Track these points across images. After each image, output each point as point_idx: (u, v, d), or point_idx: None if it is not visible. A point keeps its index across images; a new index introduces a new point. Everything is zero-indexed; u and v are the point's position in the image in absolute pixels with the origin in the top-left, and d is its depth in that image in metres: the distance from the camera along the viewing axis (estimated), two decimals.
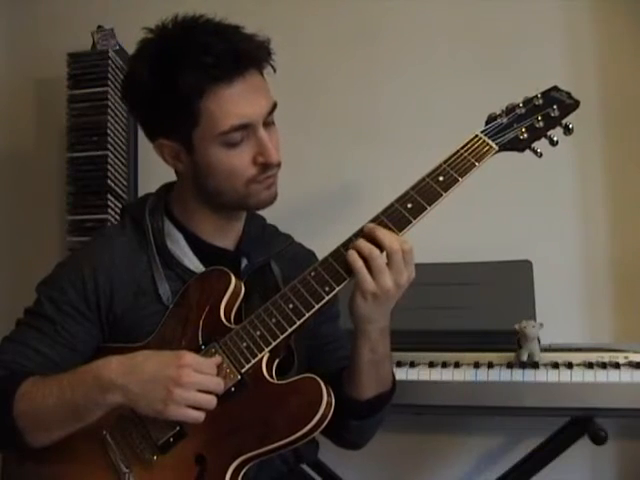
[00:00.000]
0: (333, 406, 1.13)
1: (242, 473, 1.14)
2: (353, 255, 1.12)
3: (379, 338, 1.20)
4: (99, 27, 2.40)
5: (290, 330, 1.15)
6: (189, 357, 1.12)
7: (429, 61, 2.36)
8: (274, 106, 1.26)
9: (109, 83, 2.34)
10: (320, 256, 1.22)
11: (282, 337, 1.15)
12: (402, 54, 2.38)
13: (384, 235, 1.12)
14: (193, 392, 1.10)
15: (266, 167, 1.24)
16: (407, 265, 1.12)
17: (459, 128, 1.21)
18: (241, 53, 1.20)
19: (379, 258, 1.11)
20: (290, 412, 1.12)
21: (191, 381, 1.09)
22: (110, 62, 2.34)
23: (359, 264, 1.11)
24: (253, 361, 1.15)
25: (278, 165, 1.26)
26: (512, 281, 1.99)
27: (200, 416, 1.11)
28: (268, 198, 1.29)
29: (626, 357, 1.68)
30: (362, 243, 1.13)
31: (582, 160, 2.22)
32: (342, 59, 2.42)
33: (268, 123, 1.26)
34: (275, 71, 1.28)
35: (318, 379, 1.13)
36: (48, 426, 1.16)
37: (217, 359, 1.16)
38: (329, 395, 1.13)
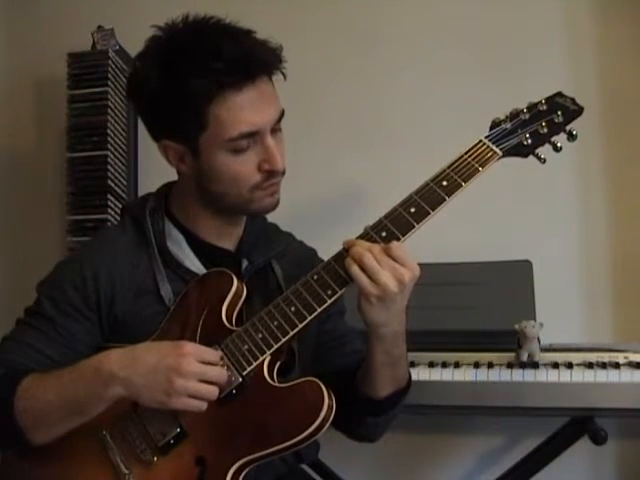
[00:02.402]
0: (334, 409, 1.13)
1: (243, 475, 1.14)
2: (348, 261, 1.12)
3: (393, 342, 1.18)
4: (99, 27, 2.40)
5: (292, 333, 1.15)
6: (190, 346, 1.11)
7: (429, 63, 2.35)
8: (282, 113, 1.26)
9: (109, 83, 2.33)
10: (321, 256, 1.22)
11: (284, 340, 1.15)
12: (402, 57, 2.38)
13: (361, 245, 1.11)
14: (194, 382, 1.09)
15: (271, 174, 1.24)
16: (401, 260, 1.10)
17: (460, 131, 1.21)
18: (253, 60, 1.19)
19: (370, 260, 1.09)
20: (291, 415, 1.12)
21: (192, 370, 1.09)
22: (110, 62, 2.34)
23: (354, 268, 1.10)
24: (255, 364, 1.15)
25: (283, 173, 1.26)
26: (512, 281, 2.00)
27: (202, 406, 1.10)
28: (270, 205, 1.29)
29: (626, 357, 1.68)
30: (354, 249, 1.12)
31: (582, 160, 2.21)
32: (343, 62, 2.41)
33: (275, 130, 1.25)
34: (285, 78, 1.27)
35: (319, 382, 1.13)
36: (48, 422, 1.15)
37: (218, 352, 1.16)
38: (330, 398, 1.12)
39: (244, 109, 1.19)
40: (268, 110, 1.22)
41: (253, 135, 1.21)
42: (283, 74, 1.26)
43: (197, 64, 1.17)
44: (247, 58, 1.18)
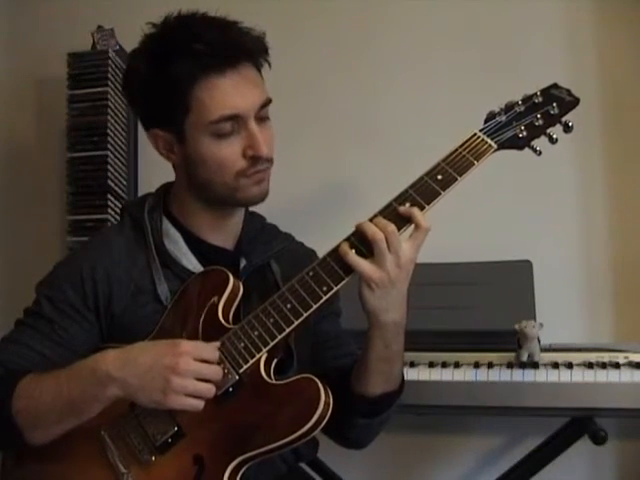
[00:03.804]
0: (331, 406, 1.12)
1: (240, 473, 1.14)
2: (345, 247, 1.13)
3: (394, 334, 1.19)
4: (99, 27, 2.40)
5: (288, 330, 1.15)
6: (186, 345, 1.11)
7: (428, 62, 2.35)
8: (268, 101, 1.26)
9: (109, 83, 2.34)
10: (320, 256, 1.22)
11: (280, 337, 1.15)
12: (401, 55, 2.38)
13: (368, 227, 1.13)
14: (191, 380, 1.09)
15: (256, 161, 1.24)
16: (399, 244, 1.12)
17: (458, 130, 1.21)
18: (234, 44, 1.21)
19: (381, 242, 1.11)
20: (288, 413, 1.12)
21: (189, 369, 1.09)
22: (110, 62, 2.35)
23: (351, 253, 1.12)
24: (251, 361, 1.15)
25: (268, 160, 1.26)
26: (512, 281, 1.99)
27: (200, 404, 1.10)
28: (258, 194, 1.28)
29: (626, 357, 1.68)
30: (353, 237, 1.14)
31: (582, 160, 2.21)
32: (341, 60, 2.42)
33: (262, 118, 1.26)
34: (270, 67, 1.28)
35: (316, 379, 1.13)
36: (46, 422, 1.15)
37: (216, 343, 1.16)
38: (327, 395, 1.12)
39: (226, 92, 1.20)
40: (251, 95, 1.23)
41: (236, 119, 1.22)
42: (268, 63, 1.28)
43: (179, 47, 1.20)
44: (229, 43, 1.20)
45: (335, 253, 1.15)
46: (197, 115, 1.21)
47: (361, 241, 1.14)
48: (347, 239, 1.15)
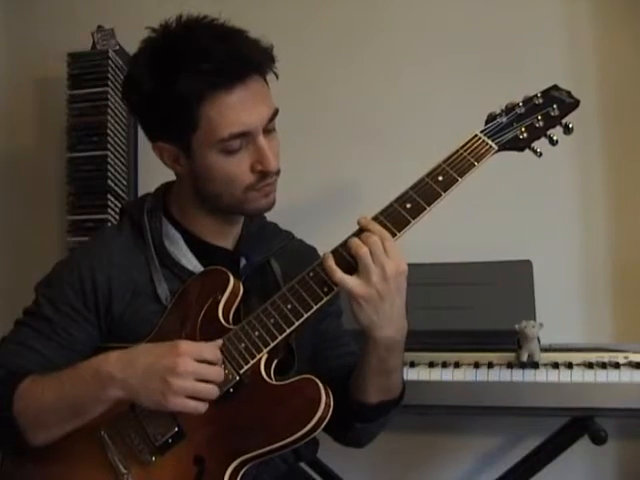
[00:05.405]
0: (332, 407, 1.12)
1: (241, 474, 1.14)
2: (331, 264, 1.12)
3: (389, 350, 1.16)
4: (99, 27, 2.41)
5: (288, 331, 1.14)
6: (186, 345, 1.11)
7: (429, 62, 2.36)
8: (275, 113, 1.24)
9: (109, 83, 2.35)
10: (320, 254, 1.22)
11: (280, 338, 1.15)
12: (402, 55, 2.38)
13: (352, 241, 1.12)
14: (191, 381, 1.08)
15: (264, 175, 1.23)
16: (383, 256, 1.10)
17: (459, 129, 1.21)
18: (242, 59, 1.18)
19: (365, 256, 1.09)
20: (288, 413, 1.12)
21: (188, 370, 1.08)
22: (110, 62, 2.35)
23: (338, 271, 1.11)
24: (251, 362, 1.14)
25: (277, 173, 1.26)
26: (512, 281, 2.00)
27: (199, 406, 1.09)
28: (265, 205, 1.28)
29: (626, 357, 1.68)
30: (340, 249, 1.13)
31: (582, 160, 2.22)
32: (343, 60, 2.42)
33: (268, 130, 1.24)
34: (278, 78, 1.26)
35: (317, 380, 1.13)
36: (48, 423, 1.15)
37: (218, 342, 1.15)
38: (327, 396, 1.12)
39: (234, 109, 1.18)
40: (259, 110, 1.21)
41: (245, 135, 1.20)
42: (275, 74, 1.26)
43: (186, 66, 1.17)
44: (236, 58, 1.17)
45: (335, 254, 1.14)
46: (205, 132, 1.19)
47: (349, 253, 1.13)
48: (334, 251, 1.14)
